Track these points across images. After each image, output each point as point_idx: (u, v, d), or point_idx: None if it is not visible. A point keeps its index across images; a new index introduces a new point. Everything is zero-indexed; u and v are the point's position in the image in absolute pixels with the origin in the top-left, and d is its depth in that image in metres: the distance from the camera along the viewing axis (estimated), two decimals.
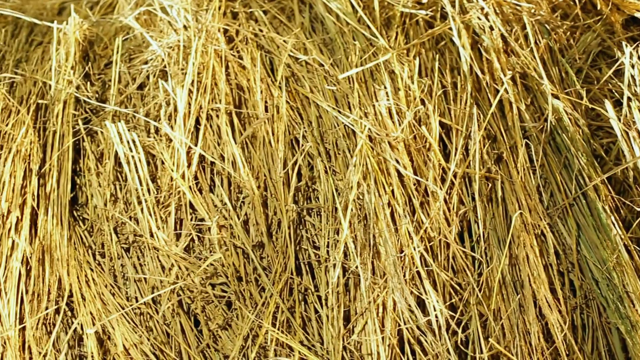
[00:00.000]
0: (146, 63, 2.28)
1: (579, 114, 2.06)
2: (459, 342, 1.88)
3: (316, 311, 1.96)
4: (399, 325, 1.90)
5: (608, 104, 2.00)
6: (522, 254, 1.93)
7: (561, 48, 2.20)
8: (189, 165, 2.10)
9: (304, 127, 2.10)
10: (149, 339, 1.97)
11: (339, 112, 2.08)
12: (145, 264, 2.06)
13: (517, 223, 1.94)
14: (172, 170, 2.09)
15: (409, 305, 1.89)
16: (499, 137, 2.05)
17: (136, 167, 2.11)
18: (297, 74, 2.19)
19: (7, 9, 2.51)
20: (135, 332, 1.98)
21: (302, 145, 2.08)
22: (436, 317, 1.88)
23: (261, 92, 2.16)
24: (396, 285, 1.89)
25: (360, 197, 1.97)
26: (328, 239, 1.99)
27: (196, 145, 2.11)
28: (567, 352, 1.87)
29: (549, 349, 1.87)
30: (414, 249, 1.92)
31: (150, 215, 2.07)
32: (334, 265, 1.94)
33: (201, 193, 2.09)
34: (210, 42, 2.23)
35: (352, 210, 1.96)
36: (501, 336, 1.87)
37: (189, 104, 2.16)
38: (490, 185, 2.02)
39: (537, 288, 1.90)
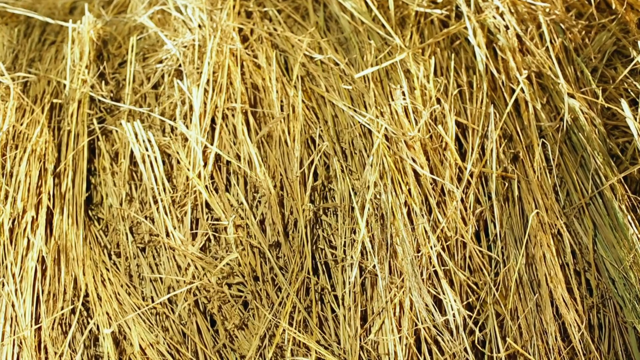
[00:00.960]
0: (161, 62, 2.30)
1: (595, 113, 2.07)
2: (476, 341, 1.90)
3: (333, 311, 1.97)
4: (416, 324, 1.91)
5: (624, 103, 2.01)
6: (538, 253, 1.94)
7: (576, 47, 2.21)
8: (205, 164, 2.11)
9: (320, 127, 2.11)
10: (165, 339, 1.99)
11: (355, 111, 2.10)
12: (161, 264, 2.07)
13: (534, 222, 1.96)
14: (188, 170, 2.10)
15: (426, 305, 1.90)
16: (515, 137, 2.07)
17: (152, 166, 2.12)
18: (313, 73, 2.20)
19: (19, 8, 2.52)
20: (152, 332, 1.99)
21: (319, 144, 2.09)
22: (453, 316, 1.89)
23: (277, 91, 2.17)
24: (414, 285, 1.91)
25: (377, 196, 1.99)
26: (345, 238, 2.01)
27: (212, 144, 2.13)
28: (584, 352, 1.88)
29: (565, 348, 1.88)
30: (431, 249, 1.93)
31: (166, 214, 2.09)
32: (351, 264, 1.96)
33: (217, 192, 2.11)
34: (225, 42, 2.25)
35: (368, 209, 1.98)
36: (518, 336, 1.89)
37: (205, 103, 2.17)
38: (506, 184, 2.03)
39: (554, 287, 1.91)
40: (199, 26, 2.29)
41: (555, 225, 1.97)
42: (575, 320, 1.89)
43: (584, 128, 2.04)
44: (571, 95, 2.08)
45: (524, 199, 2.01)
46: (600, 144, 2.03)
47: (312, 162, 2.08)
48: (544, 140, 2.05)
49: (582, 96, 2.10)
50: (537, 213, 1.97)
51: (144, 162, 2.13)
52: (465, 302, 1.93)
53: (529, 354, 1.86)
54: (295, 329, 1.94)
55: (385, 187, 1.98)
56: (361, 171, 2.04)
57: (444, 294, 1.92)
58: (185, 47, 2.28)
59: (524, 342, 1.88)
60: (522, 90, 2.09)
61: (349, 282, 1.95)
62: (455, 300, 1.90)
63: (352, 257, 1.96)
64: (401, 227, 1.95)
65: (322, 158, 2.09)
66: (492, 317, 1.90)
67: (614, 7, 2.23)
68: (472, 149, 2.04)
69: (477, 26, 2.17)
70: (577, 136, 2.05)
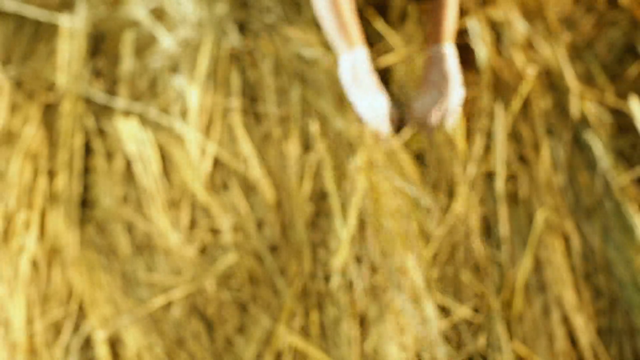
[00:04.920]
0: (157, 58, 2.32)
1: (604, 111, 2.08)
2: (481, 345, 1.90)
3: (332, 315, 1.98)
4: (417, 329, 1.91)
5: (633, 102, 2.02)
6: (546, 255, 1.94)
7: (585, 43, 2.21)
8: (203, 163, 2.13)
9: (313, 126, 2.13)
10: (161, 343, 1.99)
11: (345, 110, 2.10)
12: (157, 266, 2.08)
13: (542, 224, 1.96)
14: (185, 169, 2.12)
15: (427, 310, 1.90)
16: (522, 136, 2.08)
17: (148, 165, 2.15)
18: (308, 69, 2.22)
19: (12, 2, 2.52)
20: (147, 336, 2.00)
21: (313, 144, 2.12)
22: (456, 321, 1.90)
23: (273, 87, 2.19)
24: (416, 289, 1.91)
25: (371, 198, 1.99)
26: (340, 241, 2.01)
27: (209, 143, 2.15)
28: (593, 357, 1.87)
29: (573, 352, 1.88)
30: (431, 251, 1.94)
31: (163, 215, 2.10)
32: (346, 268, 1.96)
33: (215, 192, 2.13)
34: (223, 36, 2.26)
35: (361, 212, 1.98)
36: (525, 340, 1.89)
37: (202, 101, 2.19)
38: (513, 184, 2.04)
39: (562, 291, 1.91)
40: (195, 20, 2.30)
41: (564, 226, 1.98)
42: (584, 324, 1.89)
43: (593, 127, 2.05)
44: (580, 93, 2.08)
45: (531, 199, 2.02)
46: (609, 142, 2.03)
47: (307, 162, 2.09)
48: (551, 139, 2.06)
49: (591, 93, 2.10)
50: (545, 214, 1.98)
51: (139, 161, 2.15)
52: (470, 306, 1.93)
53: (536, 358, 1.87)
54: (295, 333, 1.95)
55: (378, 189, 1.99)
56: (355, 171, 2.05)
57: (445, 298, 1.92)
58: (181, 42, 2.29)
59: (531, 347, 1.88)
60: (529, 87, 2.10)
61: (342, 286, 1.95)
62: (458, 305, 1.91)
63: (341, 261, 1.96)
64: (398, 230, 1.95)
65: (318, 158, 2.11)
66: (498, 321, 1.90)
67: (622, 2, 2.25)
68: (476, 148, 2.05)
69: (483, 20, 2.18)
70: (586, 135, 2.05)
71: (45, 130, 2.25)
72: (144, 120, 2.24)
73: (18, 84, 2.35)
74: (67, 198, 2.17)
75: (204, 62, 2.24)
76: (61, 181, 2.18)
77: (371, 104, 2.02)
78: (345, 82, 2.03)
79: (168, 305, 2.03)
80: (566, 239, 1.98)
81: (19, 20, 2.50)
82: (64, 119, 2.26)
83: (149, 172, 2.15)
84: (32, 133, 2.22)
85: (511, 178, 2.05)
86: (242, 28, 2.32)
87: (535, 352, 1.88)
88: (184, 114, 2.21)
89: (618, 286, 1.93)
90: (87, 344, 2.02)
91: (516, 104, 2.09)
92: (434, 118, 2.00)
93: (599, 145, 2.04)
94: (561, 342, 1.89)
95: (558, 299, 1.92)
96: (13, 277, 2.05)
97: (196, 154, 2.15)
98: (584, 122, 2.07)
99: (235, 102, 2.19)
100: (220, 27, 2.29)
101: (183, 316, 2.02)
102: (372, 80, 2.03)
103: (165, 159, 2.18)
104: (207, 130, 2.19)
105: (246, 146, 2.14)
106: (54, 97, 2.31)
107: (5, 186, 2.15)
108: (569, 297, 1.92)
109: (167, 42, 2.31)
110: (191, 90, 2.21)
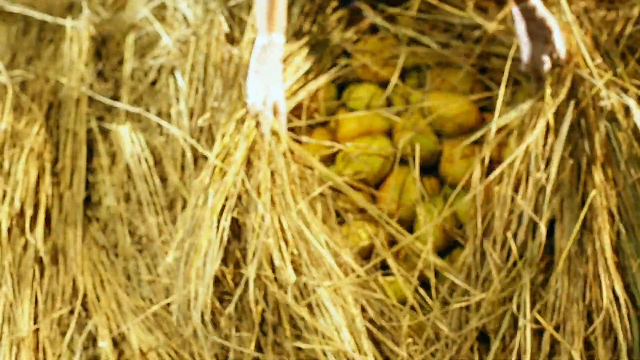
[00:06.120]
0: (158, 59, 2.35)
1: (624, 99, 2.05)
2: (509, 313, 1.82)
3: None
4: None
5: (632, 103, 2.01)
6: (593, 233, 1.88)
7: (602, 36, 2.21)
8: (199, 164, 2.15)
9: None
10: (164, 342, 1.94)
11: None
12: (158, 265, 2.07)
13: (593, 204, 1.91)
14: (182, 169, 2.15)
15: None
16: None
17: (146, 166, 2.18)
18: None
19: (17, 6, 2.57)
20: (151, 333, 1.96)
21: None
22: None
23: None
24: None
25: None
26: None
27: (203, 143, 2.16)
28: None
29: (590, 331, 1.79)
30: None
31: (161, 215, 2.12)
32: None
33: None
34: (217, 37, 2.30)
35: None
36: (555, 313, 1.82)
37: (200, 101, 2.23)
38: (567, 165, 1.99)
39: (604, 268, 1.83)
40: (194, 20, 2.35)
41: (610, 208, 1.91)
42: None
43: (616, 119, 2.02)
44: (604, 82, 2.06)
45: (582, 181, 1.97)
46: (631, 135, 1.99)
47: None
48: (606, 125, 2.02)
49: (613, 86, 2.08)
50: (596, 196, 1.91)
51: (138, 161, 2.18)
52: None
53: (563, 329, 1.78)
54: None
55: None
56: None
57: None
58: (181, 42, 2.33)
59: (558, 321, 1.80)
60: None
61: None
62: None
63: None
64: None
65: None
66: (526, 292, 1.82)
67: None
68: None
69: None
70: (607, 124, 2.02)
71: (49, 131, 2.28)
72: (144, 121, 2.26)
73: (23, 86, 2.38)
74: (71, 197, 2.18)
75: (202, 62, 2.27)
76: (65, 181, 2.19)
77: (263, 88, 2.05)
78: (251, 60, 2.07)
79: (170, 304, 1.99)
80: (612, 219, 1.90)
81: (24, 23, 2.56)
82: (68, 120, 2.28)
83: (147, 173, 2.17)
84: (36, 133, 2.23)
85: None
86: (241, 27, 2.36)
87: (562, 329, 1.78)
88: (183, 114, 2.22)
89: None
90: (92, 342, 1.98)
91: (585, 99, 2.07)
92: (545, 65, 2.11)
93: (621, 135, 1.99)
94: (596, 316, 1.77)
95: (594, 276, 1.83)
96: (18, 275, 2.04)
97: (192, 155, 2.16)
98: (607, 114, 2.03)
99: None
100: (219, 28, 2.32)
101: (183, 315, 1.94)
102: (276, 69, 2.07)
103: (163, 159, 2.19)
104: (206, 130, 2.20)
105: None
106: (58, 98, 2.34)
107: (10, 186, 2.15)
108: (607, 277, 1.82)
109: (167, 43, 2.34)
110: (190, 90, 2.24)
